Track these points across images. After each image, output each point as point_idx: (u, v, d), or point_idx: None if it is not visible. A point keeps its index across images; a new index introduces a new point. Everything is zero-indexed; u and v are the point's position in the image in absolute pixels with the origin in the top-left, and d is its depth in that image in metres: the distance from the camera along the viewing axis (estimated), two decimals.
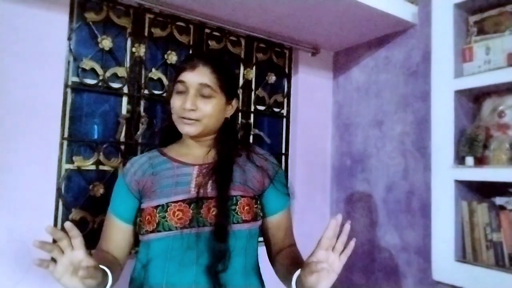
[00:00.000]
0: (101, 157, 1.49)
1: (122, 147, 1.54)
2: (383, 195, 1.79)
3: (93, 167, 1.48)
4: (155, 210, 0.90)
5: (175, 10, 1.55)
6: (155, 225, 0.89)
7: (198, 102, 0.93)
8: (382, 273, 1.76)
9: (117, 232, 0.97)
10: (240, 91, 1.85)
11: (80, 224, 1.44)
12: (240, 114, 1.84)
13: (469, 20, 1.44)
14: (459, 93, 1.36)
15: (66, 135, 1.42)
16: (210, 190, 0.91)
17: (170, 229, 0.88)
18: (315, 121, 2.08)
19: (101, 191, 1.47)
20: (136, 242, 0.99)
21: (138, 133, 1.56)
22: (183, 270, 0.87)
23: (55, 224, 1.38)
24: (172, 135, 1.05)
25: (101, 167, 1.49)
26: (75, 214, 1.42)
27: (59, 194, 1.39)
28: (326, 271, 0.77)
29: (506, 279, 1.18)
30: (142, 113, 1.58)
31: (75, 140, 1.44)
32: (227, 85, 0.99)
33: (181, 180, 0.94)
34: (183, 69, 0.96)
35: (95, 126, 1.51)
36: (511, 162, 1.25)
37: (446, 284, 1.34)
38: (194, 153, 1.00)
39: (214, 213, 0.89)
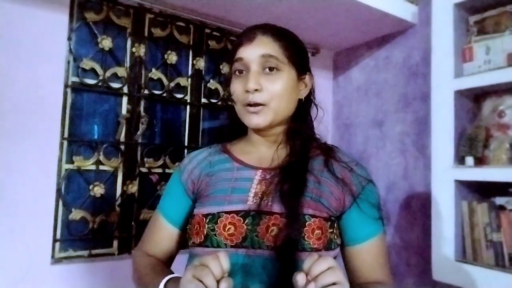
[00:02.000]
0: (101, 157, 1.48)
1: (122, 147, 1.53)
2: (383, 195, 1.79)
3: (93, 167, 1.48)
4: (204, 219, 0.74)
5: (175, 10, 1.55)
6: (202, 237, 0.74)
7: (262, 80, 0.76)
8: None
9: (164, 235, 0.84)
10: None
11: (80, 224, 1.44)
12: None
13: (469, 20, 1.44)
14: (459, 93, 1.36)
15: (66, 135, 1.41)
16: (273, 203, 0.73)
17: (218, 246, 0.72)
18: (315, 121, 2.08)
19: (101, 191, 1.47)
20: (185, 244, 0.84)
21: (138, 133, 1.56)
22: None
23: (55, 224, 1.38)
24: (237, 130, 0.89)
25: (101, 167, 1.49)
26: (75, 214, 1.42)
27: (59, 194, 1.39)
28: None
29: (506, 279, 1.18)
30: (142, 113, 1.58)
31: (75, 140, 1.44)
32: (296, 55, 0.80)
33: (239, 185, 0.77)
34: (239, 45, 0.79)
35: (95, 126, 1.51)
36: (511, 162, 1.25)
37: (446, 284, 1.34)
38: (260, 152, 0.82)
39: (273, 233, 0.70)
